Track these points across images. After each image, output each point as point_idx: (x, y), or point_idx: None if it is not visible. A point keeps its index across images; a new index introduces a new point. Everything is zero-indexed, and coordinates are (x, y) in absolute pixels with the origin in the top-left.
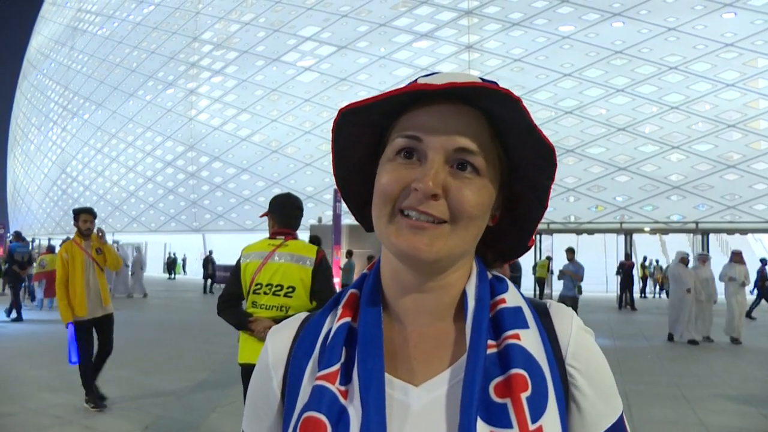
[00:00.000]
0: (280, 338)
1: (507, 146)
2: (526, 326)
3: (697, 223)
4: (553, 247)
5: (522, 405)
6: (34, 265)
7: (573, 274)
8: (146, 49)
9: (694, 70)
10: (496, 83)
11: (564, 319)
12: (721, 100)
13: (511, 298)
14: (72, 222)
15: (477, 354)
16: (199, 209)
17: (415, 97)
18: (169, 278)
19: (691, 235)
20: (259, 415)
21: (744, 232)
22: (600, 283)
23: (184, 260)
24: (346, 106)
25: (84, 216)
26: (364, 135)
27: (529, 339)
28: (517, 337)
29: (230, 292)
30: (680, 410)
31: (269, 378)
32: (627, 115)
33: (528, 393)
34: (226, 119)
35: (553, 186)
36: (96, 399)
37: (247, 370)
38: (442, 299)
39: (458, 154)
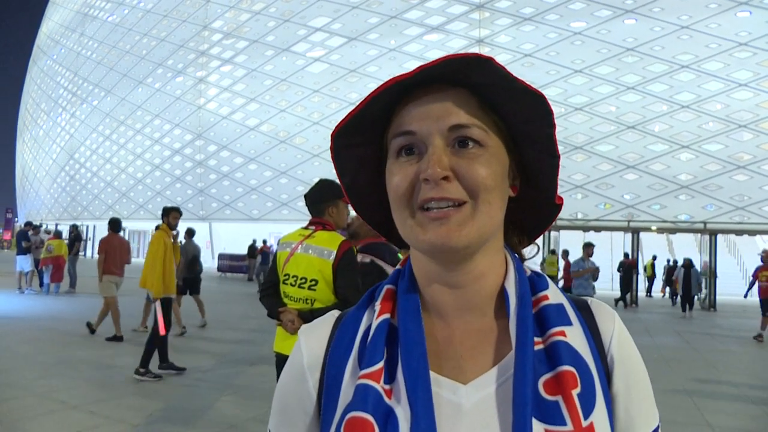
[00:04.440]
0: (316, 337)
1: (498, 110)
2: (570, 323)
3: (705, 223)
4: (560, 243)
5: (574, 402)
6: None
7: (594, 270)
8: (156, 36)
9: (706, 69)
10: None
11: (607, 317)
12: (733, 99)
13: (553, 295)
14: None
15: (525, 351)
16: (206, 198)
17: (397, 95)
18: None
19: (699, 235)
20: (292, 419)
21: (753, 233)
22: (606, 281)
23: None
24: (336, 128)
25: (175, 213)
26: (365, 156)
27: (575, 336)
28: (563, 334)
29: (269, 281)
30: (688, 411)
31: (304, 380)
32: (637, 113)
33: (578, 390)
34: (234, 108)
35: (560, 168)
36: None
37: (279, 360)
38: (479, 294)
39: (454, 132)
